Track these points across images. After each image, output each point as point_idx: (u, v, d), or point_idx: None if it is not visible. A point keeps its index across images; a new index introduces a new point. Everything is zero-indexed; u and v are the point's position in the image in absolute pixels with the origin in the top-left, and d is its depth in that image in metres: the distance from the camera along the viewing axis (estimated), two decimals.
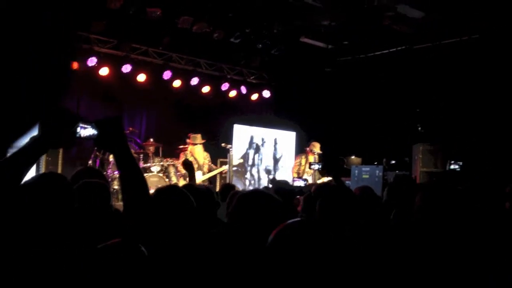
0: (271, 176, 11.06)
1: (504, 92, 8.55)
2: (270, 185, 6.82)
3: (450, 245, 2.32)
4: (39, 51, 7.44)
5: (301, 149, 10.05)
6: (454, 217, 2.44)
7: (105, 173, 7.66)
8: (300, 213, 4.04)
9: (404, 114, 10.08)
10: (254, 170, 11.33)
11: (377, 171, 8.47)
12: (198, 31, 8.84)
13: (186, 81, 10.05)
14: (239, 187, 8.65)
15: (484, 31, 8.56)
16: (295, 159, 9.81)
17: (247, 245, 2.14)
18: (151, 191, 2.08)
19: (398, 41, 9.60)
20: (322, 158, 9.19)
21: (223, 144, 9.04)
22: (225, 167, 8.99)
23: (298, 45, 9.98)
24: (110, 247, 1.70)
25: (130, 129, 8.85)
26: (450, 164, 7.57)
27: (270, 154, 11.61)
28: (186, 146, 8.80)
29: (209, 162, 8.78)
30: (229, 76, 10.84)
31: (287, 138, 11.75)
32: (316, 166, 6.57)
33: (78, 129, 1.77)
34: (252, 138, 11.28)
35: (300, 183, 6.14)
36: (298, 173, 9.19)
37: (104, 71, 8.95)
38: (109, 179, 7.73)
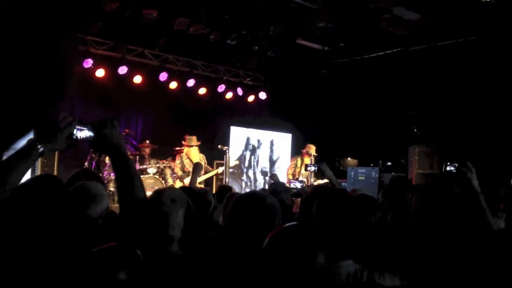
0: (268, 177, 11.06)
1: (500, 94, 8.58)
2: (269, 182, 6.85)
3: (446, 247, 2.32)
4: (39, 51, 7.43)
5: (298, 150, 10.06)
6: (450, 218, 2.44)
7: (101, 175, 7.64)
8: (296, 215, 4.03)
9: (400, 116, 10.10)
10: (251, 172, 11.33)
11: (373, 173, 8.50)
12: (194, 33, 8.84)
13: (182, 82, 10.04)
14: (236, 189, 8.64)
15: (479, 33, 8.60)
16: (291, 160, 9.83)
17: (243, 247, 2.13)
18: (147, 193, 2.08)
19: (394, 43, 9.62)
20: (318, 160, 9.19)
21: (219, 146, 9.05)
22: (221, 169, 9.01)
23: (294, 47, 10.00)
24: (105, 251, 1.70)
25: (126, 131, 8.84)
26: (446, 166, 7.58)
27: (266, 156, 11.60)
28: (182, 148, 8.81)
29: (205, 164, 8.80)
30: (225, 78, 10.84)
31: (283, 140, 11.75)
32: (312, 168, 6.57)
33: (75, 131, 1.77)
34: (248, 139, 11.28)
35: (296, 185, 6.14)
36: (294, 175, 9.21)
37: (100, 73, 8.94)
38: (106, 181, 7.71)
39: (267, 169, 11.54)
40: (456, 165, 2.97)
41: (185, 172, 8.59)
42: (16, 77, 7.18)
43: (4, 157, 1.71)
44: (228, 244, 2.21)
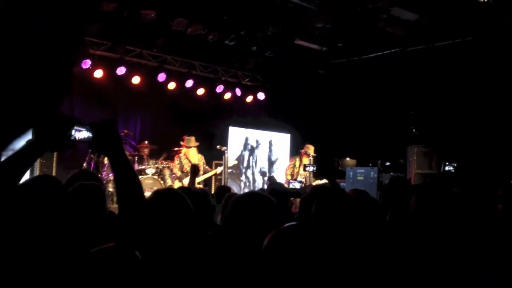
0: (266, 178, 11.07)
1: (498, 94, 8.60)
2: (267, 183, 6.88)
3: (445, 246, 2.32)
4: (39, 51, 7.43)
5: (296, 151, 10.07)
6: (449, 218, 2.45)
7: (100, 175, 7.64)
8: (295, 215, 4.04)
9: (398, 116, 10.11)
10: (249, 172, 11.33)
11: (372, 173, 8.51)
12: (192, 33, 8.84)
13: (180, 83, 10.04)
14: (234, 189, 8.65)
15: (477, 33, 8.61)
16: (289, 161, 9.84)
17: (243, 248, 2.13)
18: (146, 193, 2.08)
19: (392, 44, 9.63)
20: (316, 160, 9.21)
21: (218, 146, 9.07)
22: (219, 169, 9.02)
23: (293, 47, 10.00)
24: (104, 251, 1.70)
25: (125, 131, 8.84)
26: (445, 165, 7.60)
27: (265, 156, 11.61)
28: (181, 148, 8.82)
29: (203, 164, 8.81)
30: (223, 78, 10.84)
31: (282, 140, 11.76)
32: (311, 168, 6.59)
33: (73, 132, 1.76)
34: (247, 140, 11.29)
35: (296, 185, 6.15)
36: (292, 175, 9.22)
37: (98, 73, 8.93)
38: (104, 182, 7.71)
39: (266, 170, 11.55)
40: (455, 164, 2.97)
41: (184, 173, 8.59)
42: (16, 77, 7.18)
43: (3, 158, 1.71)
44: (227, 245, 2.21)
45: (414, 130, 9.94)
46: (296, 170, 9.29)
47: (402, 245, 2.41)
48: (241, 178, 11.18)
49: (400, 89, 9.92)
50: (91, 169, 8.06)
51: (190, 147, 8.68)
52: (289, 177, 9.10)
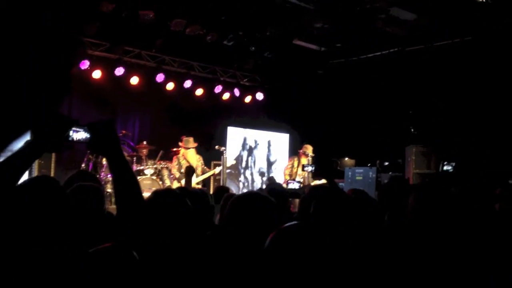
0: (265, 178, 11.08)
1: (496, 94, 8.61)
2: (267, 184, 6.87)
3: (443, 246, 2.32)
4: (39, 51, 7.42)
5: (295, 151, 10.07)
6: (447, 218, 2.45)
7: (98, 176, 7.63)
8: (295, 215, 4.04)
9: (397, 116, 10.12)
10: (248, 173, 11.34)
11: (371, 173, 8.52)
12: (191, 34, 8.84)
13: (179, 83, 10.04)
14: (233, 189, 8.65)
15: (476, 33, 8.62)
16: (288, 161, 9.84)
17: (243, 248, 2.13)
18: (145, 194, 2.08)
19: (390, 43, 9.64)
20: (315, 160, 9.21)
21: (216, 147, 9.06)
22: (218, 169, 9.01)
23: (291, 47, 10.00)
24: (101, 252, 1.70)
25: (123, 132, 8.84)
26: (443, 165, 7.62)
27: (263, 156, 11.62)
28: (179, 148, 8.81)
29: (202, 165, 8.80)
30: (222, 79, 10.84)
31: (280, 140, 11.77)
32: (309, 168, 6.58)
33: (71, 133, 1.76)
34: (245, 140, 11.29)
35: (294, 185, 6.14)
36: (291, 175, 9.22)
37: (96, 74, 8.93)
38: (102, 182, 7.70)
39: (264, 170, 11.55)
40: (453, 164, 2.98)
41: (182, 173, 8.58)
42: (14, 78, 7.16)
43: (1, 159, 1.70)
44: (226, 245, 2.21)
45: (412, 130, 9.95)
46: (294, 170, 9.29)
47: (401, 245, 2.41)
48: (240, 179, 11.19)
49: (399, 89, 9.93)
50: (90, 170, 8.05)
51: (189, 148, 8.66)
52: (287, 177, 9.09)
